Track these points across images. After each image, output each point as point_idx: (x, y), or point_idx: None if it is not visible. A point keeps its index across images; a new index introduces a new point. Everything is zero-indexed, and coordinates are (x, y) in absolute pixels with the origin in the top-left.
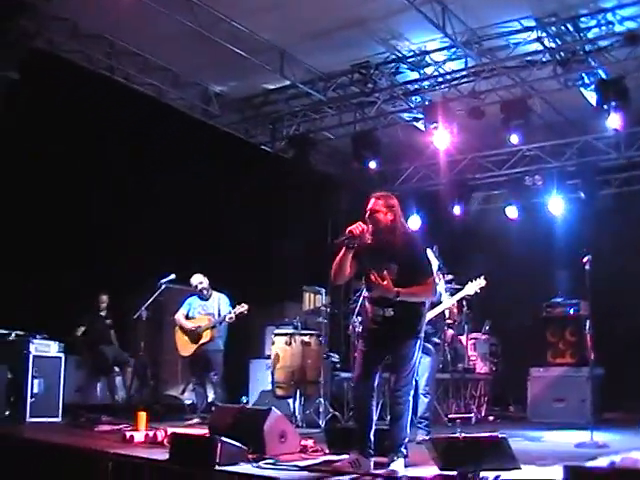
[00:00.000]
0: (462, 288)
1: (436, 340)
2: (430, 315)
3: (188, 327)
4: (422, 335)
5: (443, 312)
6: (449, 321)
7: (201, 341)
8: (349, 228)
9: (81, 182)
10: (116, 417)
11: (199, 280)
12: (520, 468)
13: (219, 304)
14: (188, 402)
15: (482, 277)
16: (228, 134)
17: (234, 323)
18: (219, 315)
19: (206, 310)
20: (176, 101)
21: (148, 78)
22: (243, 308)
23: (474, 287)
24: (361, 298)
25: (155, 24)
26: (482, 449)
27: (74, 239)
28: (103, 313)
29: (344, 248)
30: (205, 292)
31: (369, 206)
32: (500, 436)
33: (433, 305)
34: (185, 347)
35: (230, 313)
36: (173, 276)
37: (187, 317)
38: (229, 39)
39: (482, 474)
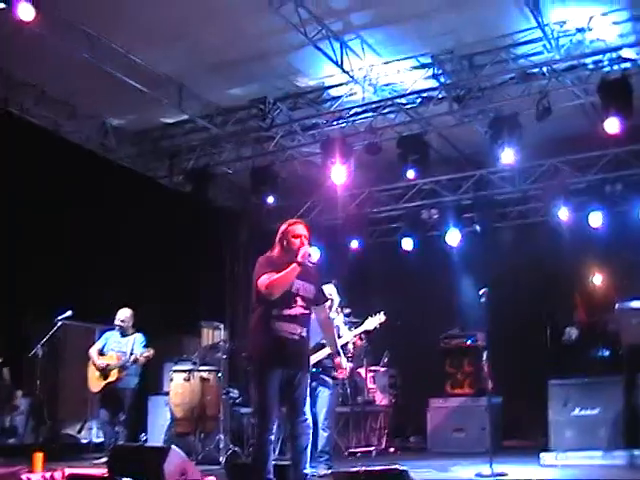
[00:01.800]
0: (360, 321)
1: (335, 374)
2: (329, 350)
3: (97, 364)
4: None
5: (342, 346)
6: (349, 355)
7: (108, 379)
8: (307, 249)
9: None
10: (10, 459)
11: (121, 315)
12: None
13: (133, 343)
14: (85, 441)
15: (382, 312)
16: (125, 168)
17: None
18: (131, 354)
19: (120, 348)
20: (72, 134)
21: (44, 110)
22: (149, 352)
23: (374, 322)
24: (264, 321)
25: (51, 55)
26: None
27: None
28: None
29: (296, 265)
30: (122, 328)
31: (303, 232)
32: (400, 468)
33: None
34: (94, 383)
35: (134, 355)
36: (70, 312)
37: (101, 352)
38: (126, 72)
39: None
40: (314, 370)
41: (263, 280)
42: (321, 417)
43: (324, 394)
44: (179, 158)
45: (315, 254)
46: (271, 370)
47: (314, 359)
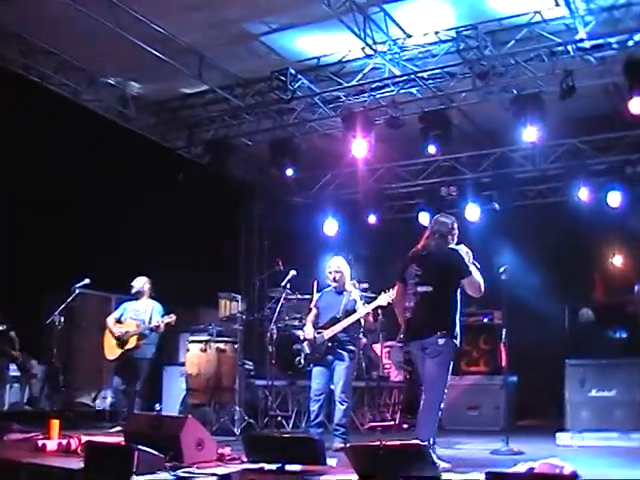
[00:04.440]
0: (376, 297)
1: (351, 347)
2: (344, 324)
3: (115, 332)
4: None
5: (358, 320)
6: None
7: (126, 347)
8: None
9: None
10: (26, 425)
11: (137, 282)
12: (440, 476)
13: (151, 312)
14: (99, 409)
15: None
16: (144, 137)
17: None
18: (149, 322)
19: (138, 316)
20: (92, 102)
21: (64, 78)
22: (171, 319)
23: (387, 298)
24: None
25: (72, 23)
26: (403, 456)
27: None
28: None
29: None
30: (138, 295)
31: None
32: (421, 444)
33: (347, 313)
34: (111, 350)
35: (157, 322)
36: (87, 281)
37: (119, 321)
38: (148, 41)
39: None
40: (329, 344)
41: (479, 279)
42: (337, 390)
43: (340, 367)
44: (198, 129)
45: (333, 228)
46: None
47: (329, 333)
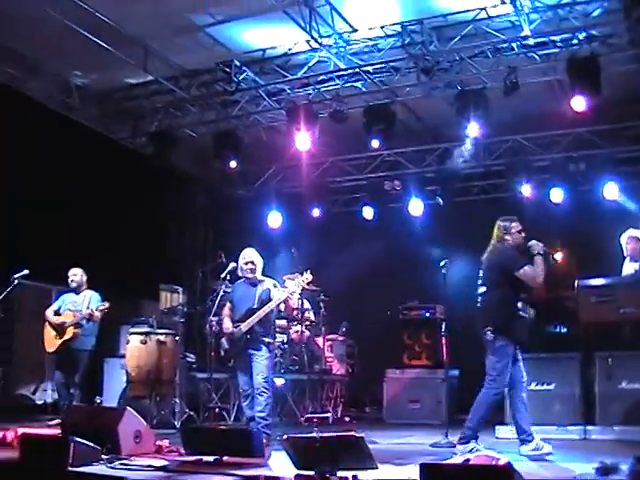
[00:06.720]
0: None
1: (268, 340)
2: (261, 314)
3: (53, 322)
4: None
5: (274, 312)
6: (307, 323)
7: (64, 338)
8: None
9: None
10: None
11: (72, 273)
12: (377, 467)
13: (89, 302)
14: (39, 402)
15: (308, 271)
16: (87, 128)
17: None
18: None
19: (75, 307)
20: (34, 91)
21: (5, 66)
22: (104, 306)
23: (300, 283)
24: (513, 301)
25: (17, 11)
26: (339, 448)
27: None
28: None
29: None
30: (74, 286)
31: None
32: (357, 435)
33: (263, 303)
34: (50, 342)
35: (90, 310)
36: (26, 271)
37: (57, 313)
38: (93, 31)
39: (339, 473)
40: (248, 337)
41: (532, 272)
42: (257, 381)
43: (258, 359)
44: (142, 120)
45: (277, 221)
46: (515, 344)
47: (247, 325)
